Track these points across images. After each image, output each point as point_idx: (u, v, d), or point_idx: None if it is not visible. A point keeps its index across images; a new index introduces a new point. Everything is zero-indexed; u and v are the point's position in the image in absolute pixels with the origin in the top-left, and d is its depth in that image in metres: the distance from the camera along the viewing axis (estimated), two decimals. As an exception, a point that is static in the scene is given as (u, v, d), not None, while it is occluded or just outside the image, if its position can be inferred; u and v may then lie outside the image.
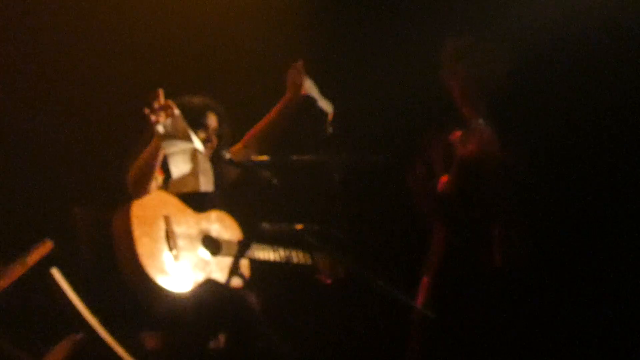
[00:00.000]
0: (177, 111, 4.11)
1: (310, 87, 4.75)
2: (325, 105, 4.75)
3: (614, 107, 5.49)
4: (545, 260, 5.28)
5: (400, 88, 5.70)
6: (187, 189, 4.30)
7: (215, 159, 4.55)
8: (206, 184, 4.36)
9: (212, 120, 4.60)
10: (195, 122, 4.50)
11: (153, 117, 4.06)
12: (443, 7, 5.72)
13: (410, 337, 4.99)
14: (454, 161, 4.87)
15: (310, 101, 4.74)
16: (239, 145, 4.77)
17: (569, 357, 5.36)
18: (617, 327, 5.43)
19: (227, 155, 4.49)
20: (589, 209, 5.53)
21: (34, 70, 5.40)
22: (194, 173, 4.23)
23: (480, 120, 4.89)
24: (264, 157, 4.62)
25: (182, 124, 4.14)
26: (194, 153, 4.22)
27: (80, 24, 5.51)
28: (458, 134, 4.82)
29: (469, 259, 4.95)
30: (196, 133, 4.46)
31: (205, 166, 4.30)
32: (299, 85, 4.72)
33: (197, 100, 4.61)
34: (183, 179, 4.22)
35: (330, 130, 4.66)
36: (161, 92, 4.10)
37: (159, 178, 4.34)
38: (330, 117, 4.74)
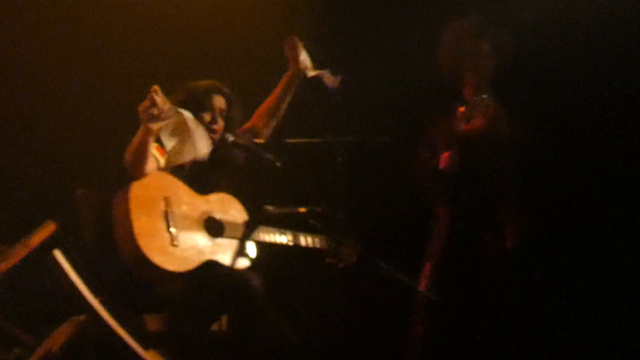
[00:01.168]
0: (160, 94, 4.08)
1: (306, 60, 4.74)
2: (329, 79, 4.73)
3: (619, 81, 5.47)
4: (552, 243, 5.27)
5: (402, 69, 5.68)
6: (187, 157, 4.28)
7: (221, 141, 4.54)
8: (203, 147, 4.34)
9: (218, 102, 4.58)
10: (200, 104, 4.50)
11: (143, 112, 4.07)
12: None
13: (414, 320, 4.99)
14: (456, 136, 4.84)
15: (316, 79, 4.73)
16: (247, 124, 4.76)
17: (573, 343, 5.36)
18: (621, 314, 5.42)
19: (230, 138, 4.48)
20: (596, 188, 5.50)
21: (36, 57, 5.40)
22: (191, 141, 4.22)
23: (485, 95, 4.86)
24: (268, 140, 4.63)
25: (174, 111, 4.13)
26: (183, 122, 4.21)
27: (85, 15, 5.50)
28: (462, 109, 4.80)
29: (475, 242, 4.93)
30: (201, 115, 4.46)
31: (199, 131, 4.29)
32: (297, 59, 4.72)
33: (203, 83, 4.60)
34: (180, 149, 4.21)
35: (336, 100, 4.65)
36: (155, 87, 4.11)
37: (160, 159, 4.32)
38: (337, 83, 4.72)
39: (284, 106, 4.78)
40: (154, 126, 4.09)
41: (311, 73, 4.73)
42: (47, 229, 4.35)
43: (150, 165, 4.26)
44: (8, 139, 5.28)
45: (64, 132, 5.37)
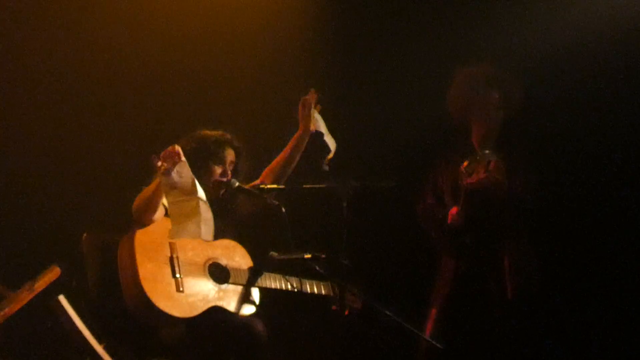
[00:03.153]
0: (183, 158, 4.14)
1: (319, 121, 4.80)
2: (330, 141, 4.80)
3: (621, 133, 5.49)
4: (556, 289, 5.26)
5: (409, 114, 5.72)
6: (188, 236, 4.30)
7: (227, 187, 4.55)
8: (207, 233, 4.35)
9: (229, 155, 4.62)
10: (213, 155, 4.53)
11: (160, 163, 4.10)
12: (454, 33, 5.74)
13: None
14: (462, 192, 4.87)
15: (317, 135, 4.80)
16: (257, 181, 4.78)
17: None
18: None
19: (236, 184, 4.50)
20: (599, 236, 5.51)
21: (44, 103, 5.44)
22: (196, 221, 4.23)
23: (487, 150, 4.89)
24: (273, 185, 4.65)
25: (188, 171, 4.16)
26: (197, 201, 4.23)
27: (92, 63, 5.55)
28: (465, 164, 4.82)
29: (479, 290, 4.93)
30: (212, 167, 4.48)
31: (207, 216, 4.29)
32: (309, 119, 4.77)
33: (215, 133, 4.63)
34: (184, 226, 4.21)
35: (327, 168, 4.73)
36: (178, 149, 4.14)
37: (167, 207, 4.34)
38: (331, 155, 4.81)
39: (293, 164, 4.80)
40: (169, 183, 4.11)
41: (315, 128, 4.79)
42: (52, 274, 4.33)
43: (158, 214, 4.28)
44: (14, 183, 5.29)
45: (70, 176, 5.38)
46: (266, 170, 4.83)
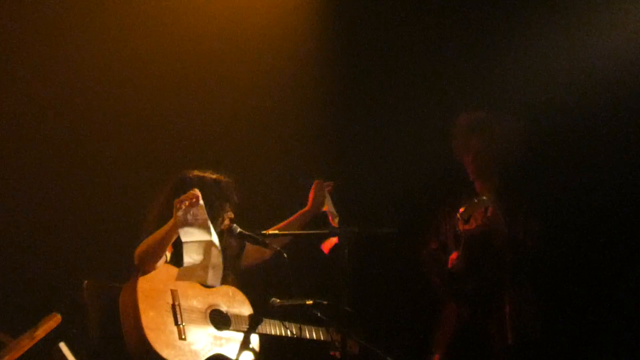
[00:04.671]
0: (201, 202, 4.17)
1: (329, 201, 4.85)
2: (331, 214, 4.84)
3: (622, 179, 5.51)
4: (557, 335, 5.24)
5: (412, 160, 5.74)
6: (194, 280, 4.30)
7: (229, 233, 4.55)
8: (214, 279, 4.35)
9: (236, 198, 4.64)
10: (228, 198, 4.55)
11: (179, 205, 4.14)
12: (455, 79, 5.78)
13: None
14: (461, 238, 4.88)
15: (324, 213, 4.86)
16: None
17: None
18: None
19: (237, 230, 4.50)
20: (601, 281, 5.51)
21: (46, 148, 5.45)
22: (204, 266, 4.23)
23: (484, 197, 4.90)
24: (274, 231, 4.65)
25: (204, 214, 4.18)
26: (209, 246, 4.24)
27: (90, 104, 5.57)
28: (461, 210, 4.83)
29: (481, 335, 4.93)
30: (225, 209, 4.50)
31: (216, 261, 4.30)
32: (321, 202, 4.82)
33: (222, 177, 4.63)
34: (192, 269, 4.21)
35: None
36: (198, 192, 4.18)
37: (167, 254, 4.35)
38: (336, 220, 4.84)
39: (292, 233, 4.80)
40: (185, 223, 4.13)
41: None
42: (53, 321, 4.31)
43: (160, 261, 4.29)
44: (16, 230, 5.29)
45: (71, 223, 5.38)
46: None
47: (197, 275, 4.20)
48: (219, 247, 4.25)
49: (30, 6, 5.37)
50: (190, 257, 4.17)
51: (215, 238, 4.22)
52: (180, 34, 5.70)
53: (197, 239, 4.18)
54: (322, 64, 5.91)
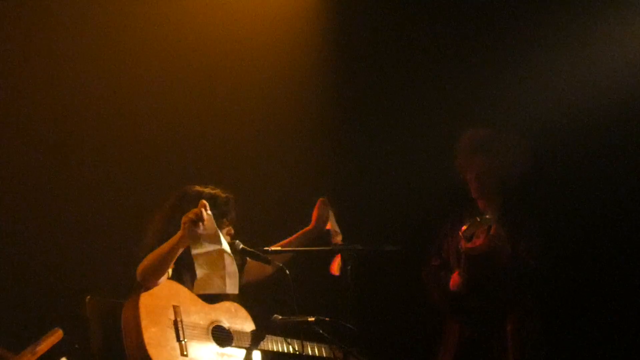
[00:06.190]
0: (209, 212, 4.17)
1: (332, 220, 4.84)
2: (335, 233, 4.82)
3: (625, 196, 5.51)
4: (560, 355, 5.23)
5: (415, 178, 5.74)
6: (213, 290, 4.30)
7: (230, 249, 4.55)
8: (232, 286, 4.36)
9: (234, 213, 4.63)
10: (226, 214, 4.54)
11: (185, 218, 4.14)
12: (459, 97, 5.79)
13: None
14: (462, 256, 4.88)
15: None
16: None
17: None
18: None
19: (240, 246, 4.50)
20: (604, 300, 5.50)
21: (50, 162, 5.45)
22: (221, 275, 4.23)
23: (487, 215, 4.90)
24: (277, 247, 4.65)
25: (214, 225, 4.19)
26: (222, 254, 4.24)
27: (95, 117, 5.58)
28: (464, 228, 4.83)
29: (483, 353, 4.91)
30: (222, 225, 4.49)
31: (232, 269, 4.31)
32: (325, 220, 4.81)
33: (220, 192, 4.62)
34: (209, 279, 4.21)
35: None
36: (206, 203, 4.19)
37: (169, 270, 4.35)
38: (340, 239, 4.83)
39: (294, 250, 4.80)
40: (194, 235, 4.13)
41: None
42: (55, 336, 4.31)
43: (163, 277, 4.28)
44: (17, 245, 5.29)
45: (72, 239, 5.38)
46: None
47: (215, 285, 4.21)
48: (232, 255, 4.25)
49: (33, 7, 5.39)
50: (205, 268, 4.18)
51: (226, 246, 4.22)
52: (181, 41, 5.72)
53: (209, 250, 4.19)
54: (327, 80, 5.93)
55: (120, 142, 5.60)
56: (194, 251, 4.17)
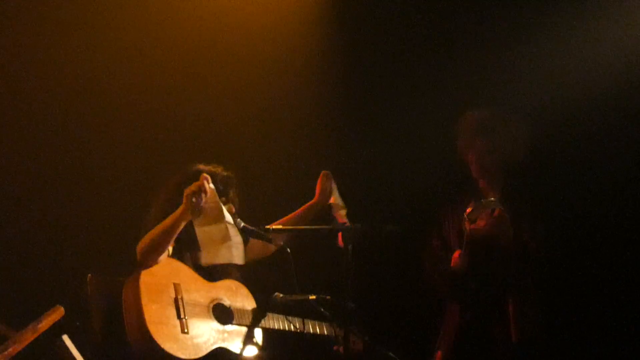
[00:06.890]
0: (211, 186, 4.18)
1: (336, 193, 4.84)
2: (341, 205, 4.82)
3: (629, 181, 5.51)
4: (560, 336, 5.24)
5: (416, 158, 5.74)
6: (220, 260, 4.32)
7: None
8: (239, 256, 4.37)
9: (233, 191, 4.64)
10: (226, 195, 4.55)
11: (187, 191, 4.16)
12: (461, 78, 5.78)
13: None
14: (464, 237, 4.88)
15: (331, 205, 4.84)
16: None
17: None
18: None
19: (241, 224, 4.50)
20: (605, 282, 5.51)
21: (50, 143, 5.46)
22: (227, 246, 4.25)
23: (492, 198, 4.90)
24: (278, 226, 4.65)
25: (216, 198, 4.20)
26: (226, 226, 4.25)
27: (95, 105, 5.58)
28: (468, 210, 4.84)
29: (483, 334, 4.92)
30: (224, 203, 4.50)
31: (237, 240, 4.32)
32: (329, 193, 4.80)
33: (220, 170, 4.63)
34: (216, 250, 4.24)
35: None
36: (207, 177, 4.21)
37: (169, 248, 4.36)
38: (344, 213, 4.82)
39: (296, 228, 4.79)
40: (196, 208, 4.14)
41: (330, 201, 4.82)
42: (56, 314, 4.32)
43: (163, 255, 4.29)
44: (19, 223, 5.30)
45: (74, 217, 5.39)
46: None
47: (222, 256, 4.25)
48: (235, 226, 4.26)
49: (33, 8, 5.39)
50: (210, 241, 4.20)
51: (230, 218, 4.23)
52: (185, 31, 5.72)
53: (213, 222, 4.20)
54: (328, 61, 5.93)
55: (123, 121, 5.60)
56: (197, 224, 4.19)
